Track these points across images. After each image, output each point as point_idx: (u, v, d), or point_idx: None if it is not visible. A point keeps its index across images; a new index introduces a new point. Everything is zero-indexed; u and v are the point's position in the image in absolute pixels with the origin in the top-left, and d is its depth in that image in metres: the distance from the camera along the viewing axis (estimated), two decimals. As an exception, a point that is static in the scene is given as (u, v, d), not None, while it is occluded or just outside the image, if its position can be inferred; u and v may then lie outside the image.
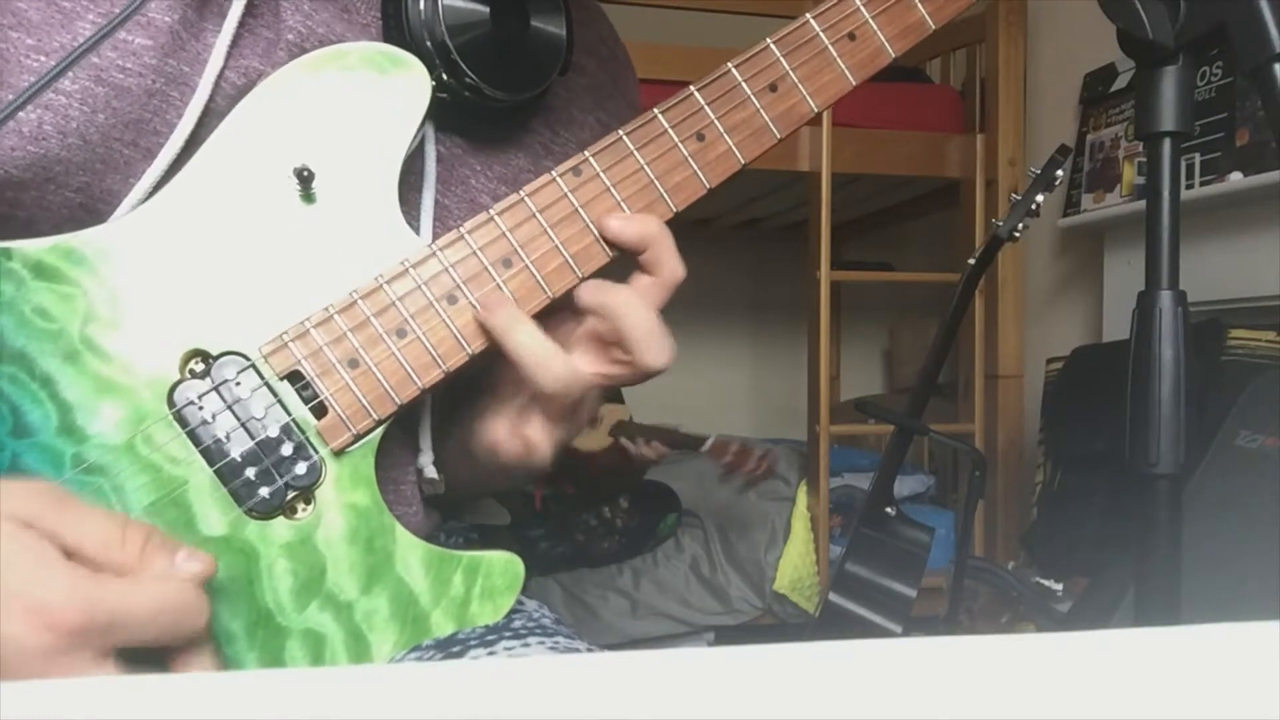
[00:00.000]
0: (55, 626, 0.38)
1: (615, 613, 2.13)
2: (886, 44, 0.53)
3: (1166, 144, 0.63)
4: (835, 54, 0.53)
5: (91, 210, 0.51)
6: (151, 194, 0.51)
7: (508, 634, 0.60)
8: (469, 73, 0.54)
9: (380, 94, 0.51)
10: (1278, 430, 1.33)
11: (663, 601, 2.15)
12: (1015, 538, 2.14)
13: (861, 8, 0.53)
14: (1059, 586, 1.66)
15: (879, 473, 1.60)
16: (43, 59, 0.48)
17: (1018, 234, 1.57)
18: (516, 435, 0.55)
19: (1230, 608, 1.17)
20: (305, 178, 0.49)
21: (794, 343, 2.63)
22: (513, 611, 0.63)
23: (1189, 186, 1.74)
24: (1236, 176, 1.68)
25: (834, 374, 3.06)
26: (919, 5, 0.54)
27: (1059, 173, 1.55)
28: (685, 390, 3.03)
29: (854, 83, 0.53)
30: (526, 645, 0.57)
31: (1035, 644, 0.28)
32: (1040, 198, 1.55)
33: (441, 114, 0.56)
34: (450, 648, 0.55)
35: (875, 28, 0.53)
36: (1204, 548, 1.22)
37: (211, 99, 0.52)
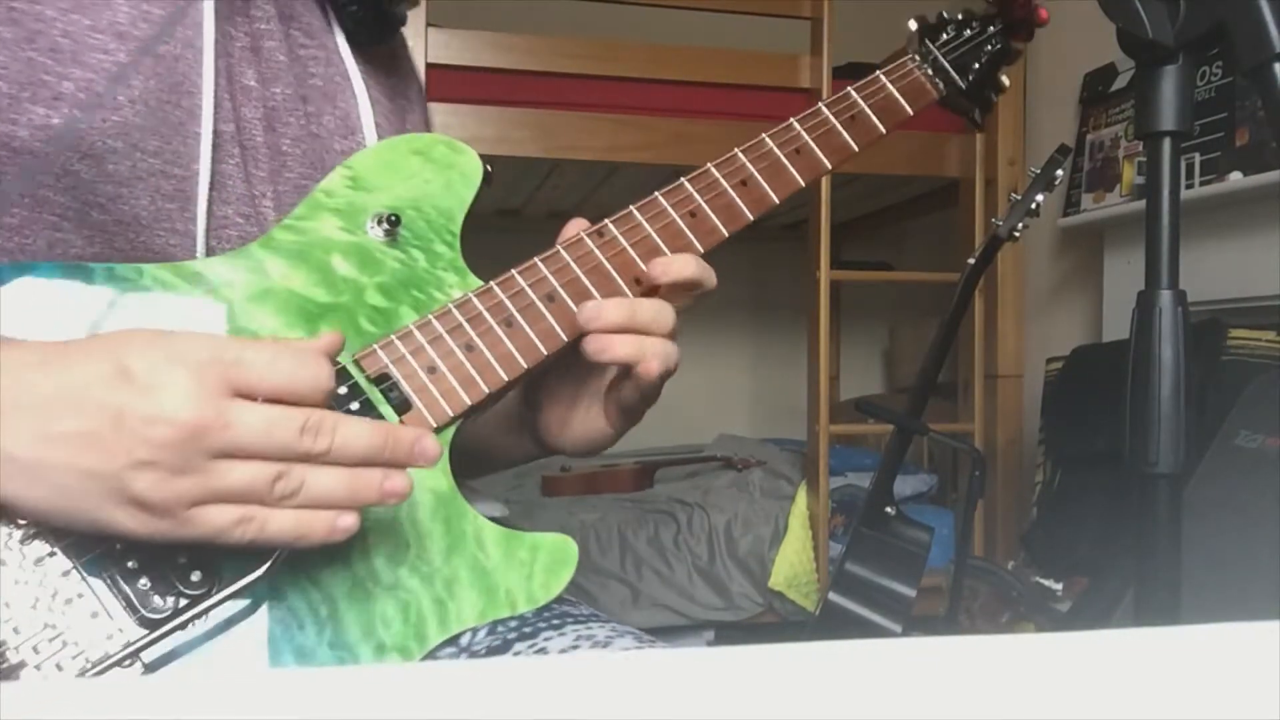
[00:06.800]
0: (185, 360, 0.47)
1: (615, 601, 2.12)
2: (823, 158, 0.72)
3: (1166, 144, 0.63)
4: (786, 162, 0.71)
5: (169, 175, 0.60)
6: (213, 153, 0.61)
7: (542, 624, 0.66)
8: None
9: (447, 171, 0.67)
10: (1278, 430, 1.33)
11: (664, 593, 2.14)
12: (1015, 538, 2.14)
13: (802, 131, 0.71)
14: (1059, 586, 1.67)
15: (879, 472, 1.60)
16: (101, 37, 0.57)
17: (1017, 234, 1.57)
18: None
19: (1230, 608, 1.17)
20: (393, 223, 0.62)
21: (794, 343, 2.64)
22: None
23: (1189, 186, 1.74)
24: (1236, 176, 1.68)
25: (834, 374, 3.06)
26: (844, 133, 0.73)
27: (1059, 172, 1.55)
28: (685, 390, 3.04)
29: (802, 184, 0.71)
30: (563, 635, 0.64)
31: (1035, 644, 0.28)
32: (1040, 197, 1.55)
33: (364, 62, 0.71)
34: (491, 642, 0.64)
35: (815, 149, 0.72)
36: (1204, 548, 1.22)
37: (220, 57, 0.62)
